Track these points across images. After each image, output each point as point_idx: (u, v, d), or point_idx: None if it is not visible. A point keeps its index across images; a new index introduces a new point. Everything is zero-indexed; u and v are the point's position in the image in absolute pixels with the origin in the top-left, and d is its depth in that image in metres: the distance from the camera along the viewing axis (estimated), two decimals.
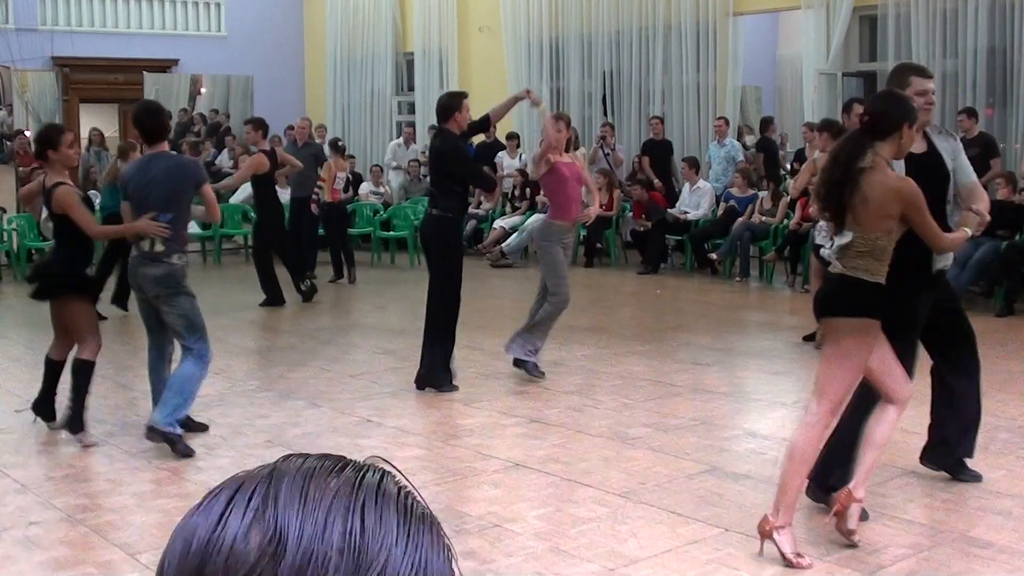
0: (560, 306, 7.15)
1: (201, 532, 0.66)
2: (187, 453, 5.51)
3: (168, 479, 5.29)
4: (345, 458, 0.70)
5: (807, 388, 7.28)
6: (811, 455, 4.12)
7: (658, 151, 13.53)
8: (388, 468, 0.71)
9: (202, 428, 5.93)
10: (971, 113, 10.65)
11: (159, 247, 5.57)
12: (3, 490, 5.07)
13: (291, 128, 15.91)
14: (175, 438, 5.52)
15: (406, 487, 0.69)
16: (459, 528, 4.44)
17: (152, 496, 5.14)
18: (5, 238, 13.16)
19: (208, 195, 5.90)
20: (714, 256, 12.21)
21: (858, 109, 5.81)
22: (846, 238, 4.11)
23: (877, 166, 4.03)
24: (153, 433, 5.51)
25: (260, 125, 10.62)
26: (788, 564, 3.98)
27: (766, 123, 14.20)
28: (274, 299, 10.51)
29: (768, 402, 6.90)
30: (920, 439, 5.22)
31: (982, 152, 10.61)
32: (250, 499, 0.66)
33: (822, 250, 4.48)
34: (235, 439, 5.94)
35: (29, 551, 4.34)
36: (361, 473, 0.68)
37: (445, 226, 6.90)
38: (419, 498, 0.70)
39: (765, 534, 4.06)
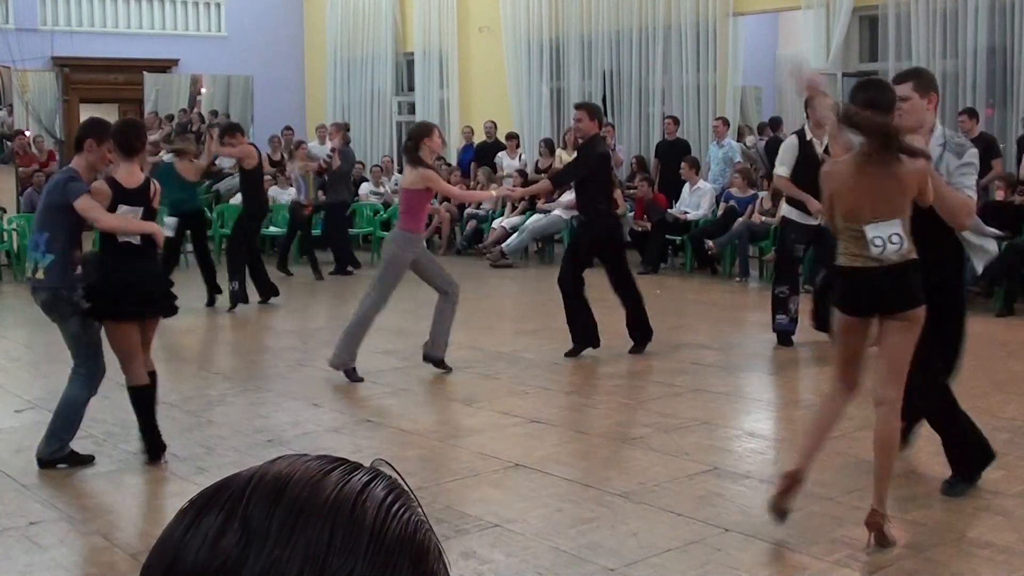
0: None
1: (176, 534, 0.65)
2: (87, 459, 5.42)
3: (168, 479, 5.29)
4: (342, 460, 0.68)
5: (807, 388, 7.29)
6: (896, 441, 4.36)
7: (672, 152, 13.30)
8: (387, 470, 0.69)
9: (88, 460, 5.46)
10: (971, 114, 10.65)
11: (40, 274, 5.23)
12: (3, 490, 5.07)
13: (288, 129, 15.92)
14: (66, 456, 5.38)
15: (396, 490, 0.67)
16: (459, 528, 4.44)
17: (152, 496, 5.15)
18: (5, 238, 13.16)
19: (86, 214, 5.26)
20: (710, 244, 12.10)
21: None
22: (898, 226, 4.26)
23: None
24: (43, 464, 5.32)
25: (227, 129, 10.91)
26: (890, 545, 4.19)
27: (776, 123, 14.10)
28: (267, 292, 10.66)
29: (768, 402, 6.90)
30: (920, 439, 5.23)
31: (983, 153, 10.59)
32: (226, 502, 0.65)
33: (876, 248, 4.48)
34: (235, 439, 5.94)
35: (29, 551, 4.34)
36: (348, 477, 0.66)
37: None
38: (410, 502, 0.68)
39: (876, 526, 4.15)
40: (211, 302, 10.45)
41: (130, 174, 5.38)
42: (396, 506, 0.66)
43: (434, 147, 7.09)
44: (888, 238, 4.10)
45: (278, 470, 0.67)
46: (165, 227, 10.54)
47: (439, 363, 7.30)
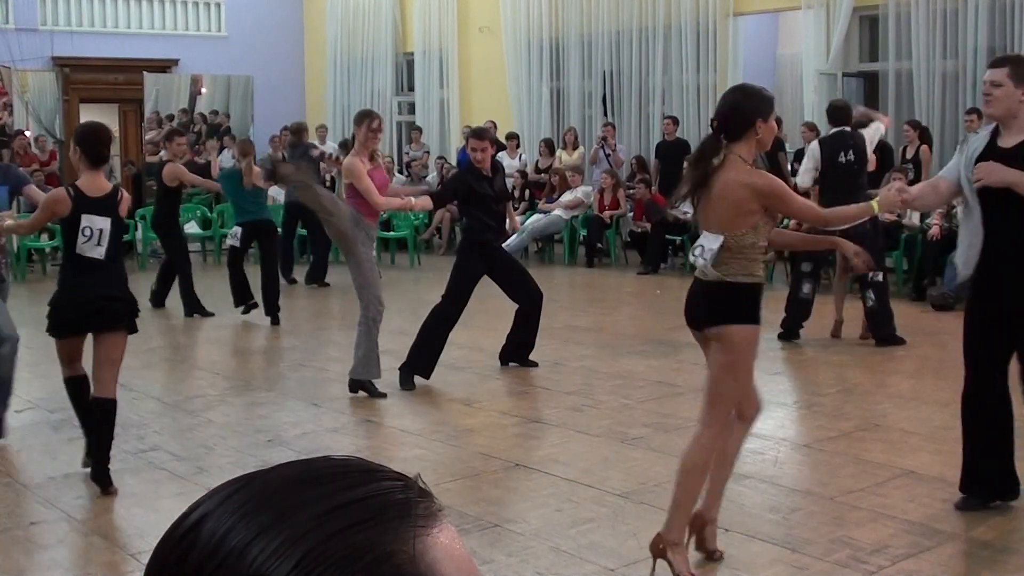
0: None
1: (200, 531, 0.64)
2: None
3: (168, 479, 5.29)
4: (381, 471, 0.65)
5: (807, 388, 7.29)
6: (704, 470, 3.90)
7: (673, 153, 13.27)
8: (422, 486, 0.65)
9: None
10: (980, 113, 10.65)
11: None
12: (3, 490, 5.07)
13: (287, 129, 15.90)
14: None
15: (435, 506, 0.64)
16: (459, 528, 4.41)
17: (152, 496, 5.14)
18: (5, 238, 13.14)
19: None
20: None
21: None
22: (717, 241, 3.84)
23: (729, 163, 3.87)
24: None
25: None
26: None
27: (776, 123, 14.07)
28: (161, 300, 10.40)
29: (767, 402, 6.87)
30: (920, 439, 5.23)
31: None
32: (245, 499, 0.63)
33: (693, 257, 4.07)
34: (235, 439, 5.94)
35: (29, 551, 4.34)
36: (390, 491, 0.63)
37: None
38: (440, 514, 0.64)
39: (658, 553, 3.89)
40: (245, 309, 10.02)
41: (93, 182, 5.09)
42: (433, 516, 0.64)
43: None
44: (703, 250, 3.92)
45: (297, 469, 0.65)
46: (229, 236, 10.33)
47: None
